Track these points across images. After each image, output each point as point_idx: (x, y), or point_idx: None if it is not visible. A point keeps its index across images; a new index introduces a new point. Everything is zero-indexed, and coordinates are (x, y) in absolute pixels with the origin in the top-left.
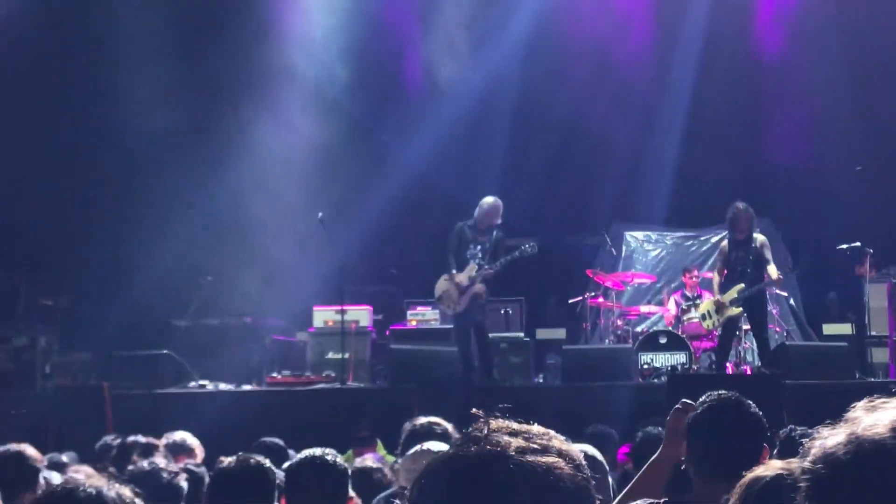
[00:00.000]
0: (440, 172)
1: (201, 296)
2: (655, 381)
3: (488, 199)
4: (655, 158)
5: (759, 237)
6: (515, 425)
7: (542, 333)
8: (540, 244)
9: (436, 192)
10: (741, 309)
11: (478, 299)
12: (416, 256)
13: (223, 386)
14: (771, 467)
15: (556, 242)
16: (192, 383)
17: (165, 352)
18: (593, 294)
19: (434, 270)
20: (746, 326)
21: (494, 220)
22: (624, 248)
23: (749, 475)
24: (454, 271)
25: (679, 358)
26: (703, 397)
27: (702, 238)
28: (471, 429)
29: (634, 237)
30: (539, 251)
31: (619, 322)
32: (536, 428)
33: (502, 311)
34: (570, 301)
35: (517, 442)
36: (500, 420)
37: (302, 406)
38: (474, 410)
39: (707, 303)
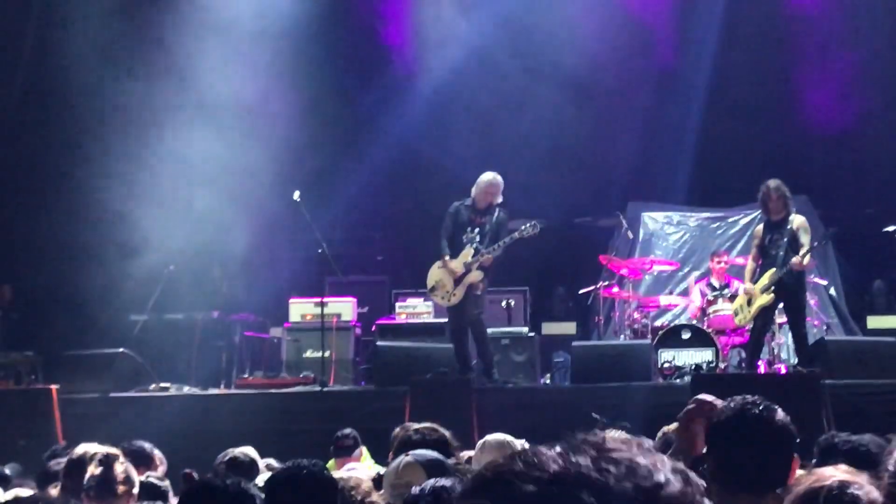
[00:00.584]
0: (432, 143)
1: (162, 287)
2: (677, 381)
3: (486, 176)
4: (676, 128)
5: (797, 218)
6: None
7: (549, 328)
8: (544, 226)
9: (428, 167)
10: (772, 296)
11: (475, 289)
12: (405, 241)
13: (187, 389)
14: (824, 476)
15: (564, 224)
16: (153, 386)
17: (122, 350)
18: (607, 283)
19: (426, 257)
20: (781, 319)
21: (494, 198)
22: (642, 231)
23: (803, 486)
24: (448, 257)
25: (704, 355)
26: (728, 402)
27: (730, 219)
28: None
29: (653, 219)
30: (544, 234)
31: (637, 315)
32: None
33: (503, 303)
34: (581, 291)
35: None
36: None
37: (277, 411)
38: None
39: (740, 297)
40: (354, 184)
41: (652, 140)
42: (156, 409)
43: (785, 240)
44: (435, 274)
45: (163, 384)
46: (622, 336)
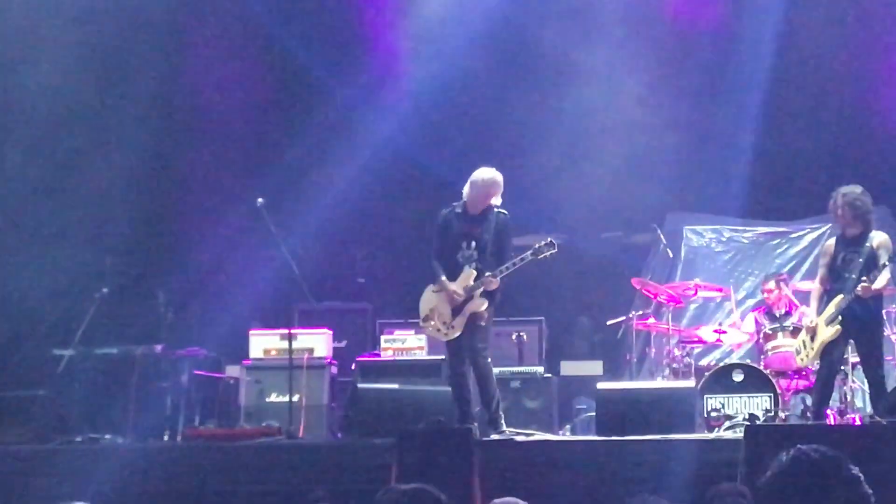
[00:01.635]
0: (425, 145)
1: (93, 315)
2: (728, 434)
3: (484, 173)
4: (726, 125)
5: (879, 236)
6: None
7: (570, 368)
8: (563, 242)
9: (420, 173)
10: (838, 328)
11: (479, 319)
12: (392, 260)
13: (123, 440)
14: None
15: (587, 242)
16: (80, 437)
17: (42, 393)
18: (641, 313)
19: (418, 279)
20: (855, 359)
21: (492, 199)
22: (684, 248)
23: None
24: (443, 278)
25: (761, 402)
26: (787, 452)
27: (793, 235)
28: None
29: (698, 233)
30: (564, 252)
31: (677, 351)
32: None
33: (514, 337)
34: (609, 323)
35: None
36: None
37: (234, 469)
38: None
39: (803, 332)
40: (333, 191)
41: (698, 138)
42: (84, 464)
43: (861, 260)
44: (429, 300)
45: (92, 435)
46: (659, 377)
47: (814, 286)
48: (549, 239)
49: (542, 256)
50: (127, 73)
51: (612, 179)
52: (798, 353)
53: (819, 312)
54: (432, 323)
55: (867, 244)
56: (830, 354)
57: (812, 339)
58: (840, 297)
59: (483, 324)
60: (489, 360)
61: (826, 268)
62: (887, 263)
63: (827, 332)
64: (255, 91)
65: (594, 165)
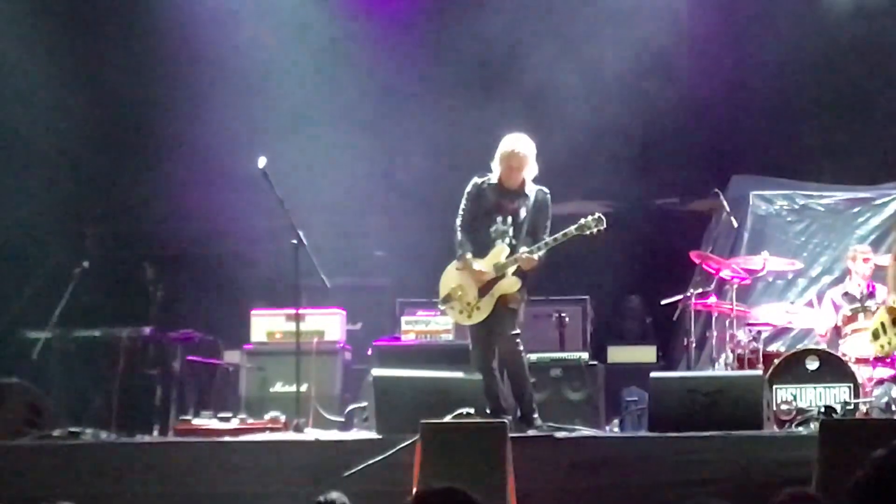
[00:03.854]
0: (447, 93)
1: (72, 293)
2: (800, 429)
3: (508, 141)
4: (798, 73)
5: None
6: None
7: (618, 354)
8: (611, 211)
9: (448, 124)
10: None
11: (508, 302)
12: (415, 231)
13: (107, 436)
14: None
15: (639, 209)
16: (58, 431)
17: (15, 380)
18: (700, 291)
19: (444, 252)
20: None
21: (527, 171)
22: (750, 217)
23: None
24: (468, 255)
25: (839, 393)
26: (878, 452)
27: (877, 202)
28: None
29: (767, 200)
30: (610, 222)
31: (742, 336)
32: None
33: (554, 317)
34: (664, 302)
35: None
36: None
37: (234, 466)
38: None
39: (881, 312)
40: (342, 147)
41: (765, 88)
42: (63, 462)
43: None
44: (451, 278)
45: (72, 429)
46: (723, 365)
47: (890, 262)
48: (597, 214)
49: (588, 233)
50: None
51: (666, 137)
52: (876, 337)
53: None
54: (454, 304)
55: None
56: None
57: (895, 322)
58: None
59: (514, 306)
60: (521, 348)
61: None
62: None
63: None
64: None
65: (645, 122)
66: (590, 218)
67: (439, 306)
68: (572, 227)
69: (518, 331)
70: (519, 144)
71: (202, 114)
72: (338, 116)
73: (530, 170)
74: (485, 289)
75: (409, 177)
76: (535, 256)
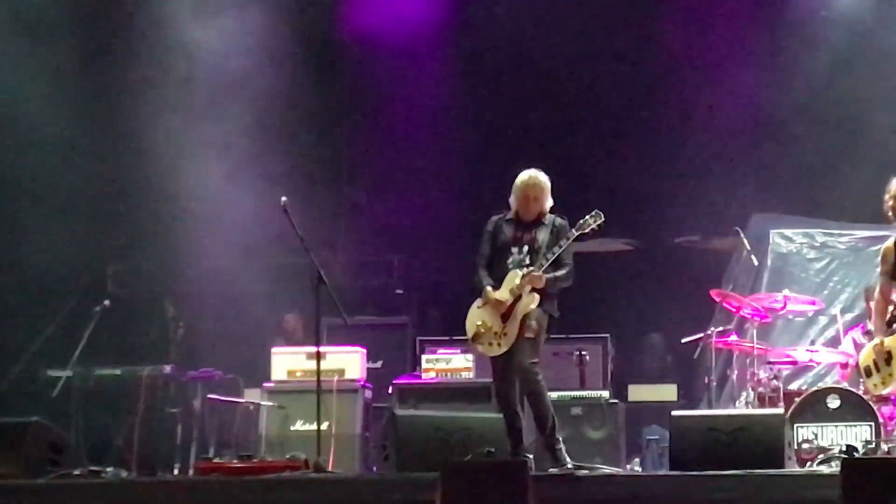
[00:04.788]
0: (475, 138)
1: (92, 331)
2: (822, 468)
3: (523, 177)
4: (819, 112)
5: None
6: None
7: (639, 392)
8: (633, 248)
9: (469, 163)
10: None
11: (530, 324)
12: (436, 267)
13: (127, 474)
14: None
15: (659, 246)
16: (78, 470)
17: (36, 419)
18: (721, 329)
19: (464, 290)
20: None
21: (542, 204)
22: (771, 255)
23: None
24: (488, 289)
25: (860, 432)
26: None
27: None
28: None
29: (788, 238)
30: (634, 260)
31: (763, 374)
32: None
33: (575, 356)
34: (684, 341)
35: None
36: None
37: None
38: None
39: (869, 350)
40: (364, 183)
41: (784, 126)
42: (83, 501)
43: None
44: (475, 316)
45: (93, 468)
46: (743, 404)
47: (875, 299)
48: (595, 211)
49: (589, 230)
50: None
51: (689, 176)
52: (868, 375)
53: (884, 329)
54: (483, 339)
55: None
56: None
57: (888, 362)
58: None
59: (532, 336)
60: (540, 376)
61: (888, 276)
62: None
63: None
64: (272, 70)
65: (667, 160)
66: (587, 216)
67: (470, 345)
68: (573, 230)
69: (536, 360)
70: (535, 175)
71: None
72: None
73: (547, 201)
74: (507, 314)
75: (430, 215)
76: (541, 273)
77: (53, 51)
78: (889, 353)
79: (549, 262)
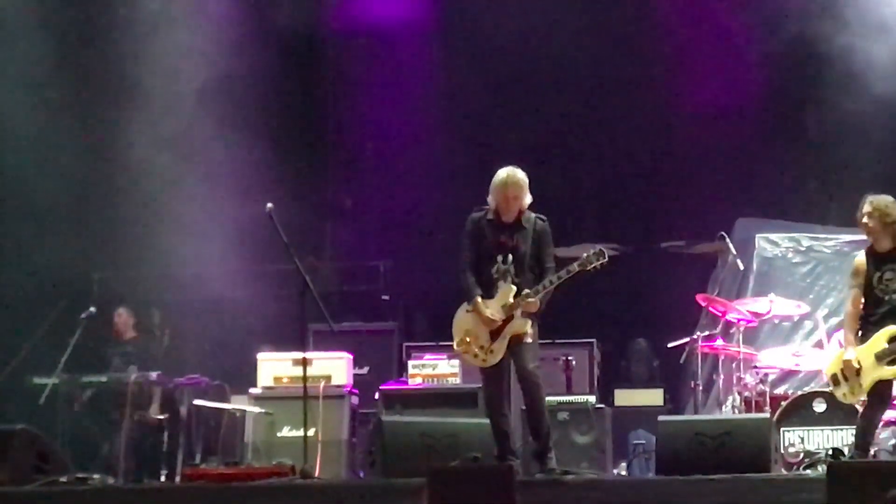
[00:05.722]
0: (458, 139)
1: (78, 339)
2: (808, 472)
3: (500, 175)
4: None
5: None
6: None
7: (626, 397)
8: (618, 254)
9: (458, 166)
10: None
11: (522, 341)
12: (422, 272)
13: (114, 481)
14: None
15: (645, 252)
16: (65, 477)
17: (20, 427)
18: (707, 334)
19: (450, 295)
20: None
21: (522, 201)
22: (756, 260)
23: None
24: (478, 299)
25: (846, 436)
26: (892, 493)
27: None
28: None
29: (773, 242)
30: (619, 265)
31: (750, 378)
32: None
33: (561, 361)
34: (671, 345)
35: None
36: None
37: None
38: None
39: (837, 361)
40: (349, 189)
41: (770, 129)
42: None
43: None
44: (462, 321)
45: (80, 475)
46: (729, 408)
47: (845, 310)
48: (598, 248)
49: (590, 268)
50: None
51: (674, 181)
52: (836, 384)
53: (854, 342)
54: (468, 347)
55: None
56: (882, 393)
57: (857, 373)
58: (892, 330)
59: (530, 340)
60: (541, 382)
61: (859, 289)
62: None
63: (884, 372)
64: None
65: (652, 166)
66: (591, 252)
67: (455, 349)
68: (575, 264)
69: (537, 363)
70: (513, 173)
71: None
72: None
73: (526, 198)
74: (496, 332)
75: (413, 219)
76: (537, 300)
77: (31, 58)
78: (859, 366)
79: (551, 287)
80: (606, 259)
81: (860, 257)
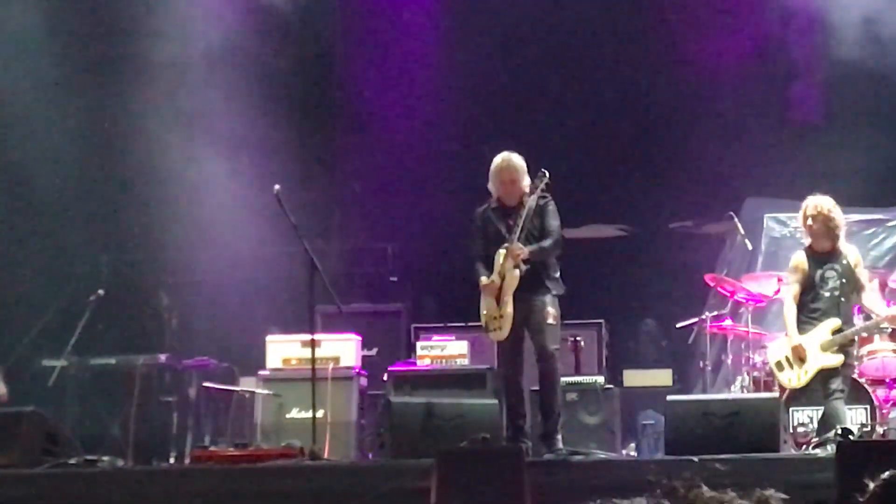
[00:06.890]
0: (467, 124)
1: (87, 321)
2: (817, 451)
3: (497, 161)
4: (813, 94)
5: (853, 251)
6: None
7: (634, 378)
8: (626, 234)
9: (464, 150)
10: (842, 357)
11: (549, 312)
12: (430, 254)
13: (123, 463)
14: None
15: (653, 232)
16: (74, 459)
17: (31, 409)
18: (715, 314)
19: (458, 277)
20: None
21: (521, 184)
22: (765, 240)
23: None
24: (483, 278)
25: (855, 415)
26: (888, 473)
27: (890, 223)
28: None
29: (781, 222)
30: (628, 246)
31: (758, 358)
32: None
33: (570, 342)
34: (679, 326)
35: None
36: None
37: (250, 494)
38: None
39: (786, 345)
40: (357, 171)
41: (781, 108)
42: (79, 491)
43: (843, 281)
44: (482, 305)
45: (89, 457)
46: (738, 388)
47: (786, 300)
48: (541, 171)
49: (540, 191)
50: None
51: (682, 161)
52: (780, 369)
53: (796, 331)
54: (489, 323)
55: (843, 260)
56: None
57: (801, 361)
58: (836, 322)
59: (553, 322)
60: (559, 365)
61: (799, 284)
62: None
63: (829, 360)
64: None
65: (660, 146)
66: (535, 178)
67: (485, 330)
68: (525, 197)
69: (557, 346)
70: (509, 158)
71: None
72: None
73: (524, 180)
74: (499, 297)
75: (423, 202)
76: (515, 247)
77: (41, 48)
78: (803, 353)
79: (519, 230)
80: (547, 176)
81: (800, 256)
